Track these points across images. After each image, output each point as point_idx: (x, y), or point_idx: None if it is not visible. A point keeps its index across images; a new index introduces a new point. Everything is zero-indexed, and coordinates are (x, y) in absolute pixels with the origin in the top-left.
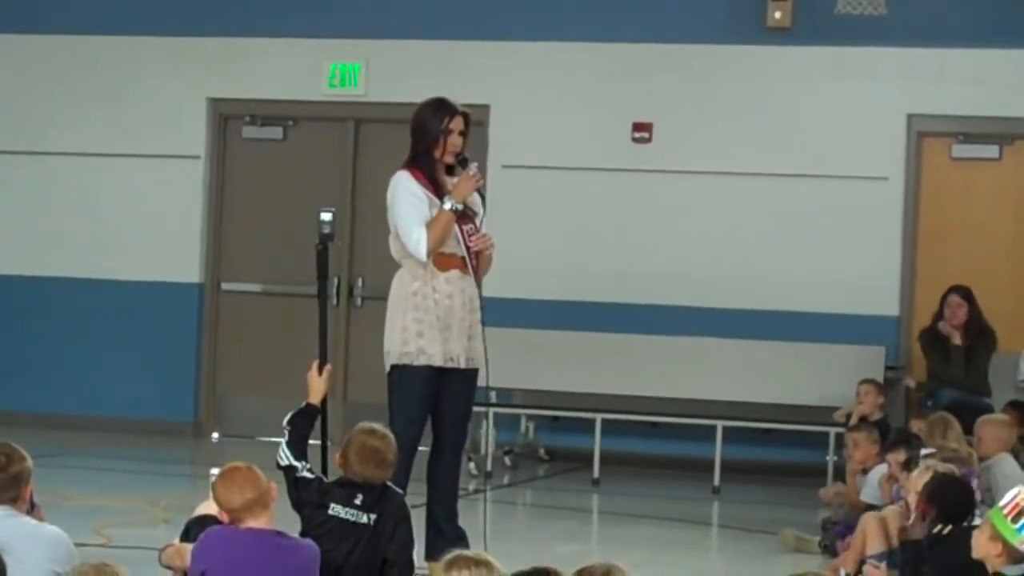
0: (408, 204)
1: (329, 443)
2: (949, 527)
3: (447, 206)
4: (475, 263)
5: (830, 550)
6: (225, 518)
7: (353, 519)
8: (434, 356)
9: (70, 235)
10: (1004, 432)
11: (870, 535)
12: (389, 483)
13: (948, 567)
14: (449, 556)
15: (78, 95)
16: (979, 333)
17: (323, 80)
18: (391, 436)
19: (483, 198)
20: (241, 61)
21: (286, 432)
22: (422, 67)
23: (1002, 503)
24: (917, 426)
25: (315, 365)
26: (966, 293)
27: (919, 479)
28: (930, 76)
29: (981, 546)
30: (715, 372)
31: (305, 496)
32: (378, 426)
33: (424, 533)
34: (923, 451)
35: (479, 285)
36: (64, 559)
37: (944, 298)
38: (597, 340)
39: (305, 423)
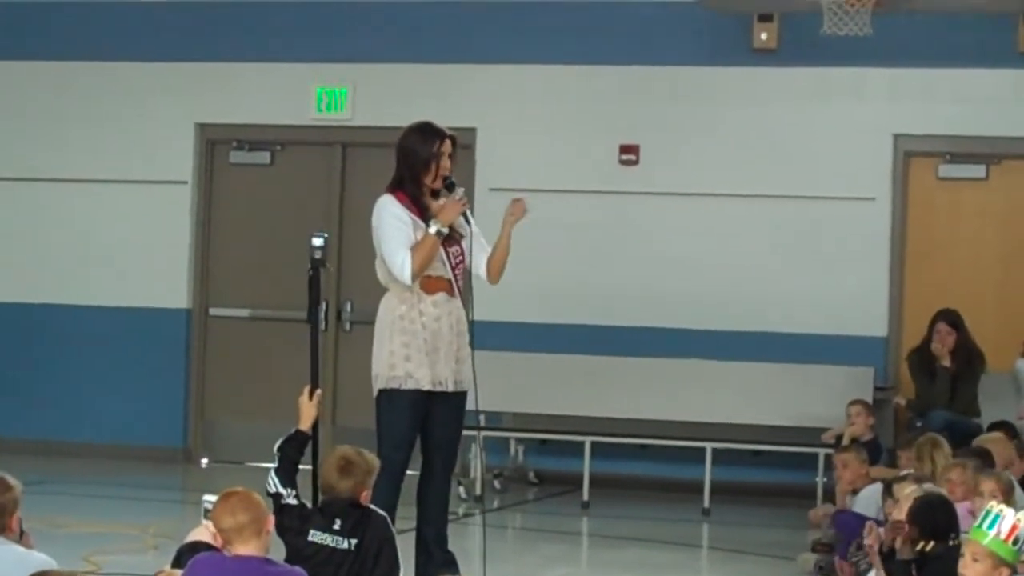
0: (393, 228)
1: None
2: (932, 544)
3: (432, 230)
4: (461, 285)
5: (824, 571)
6: (218, 540)
7: (333, 544)
8: (422, 380)
9: (58, 261)
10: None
11: None
12: (373, 507)
13: None
14: None
15: (65, 121)
16: (967, 358)
17: (310, 105)
18: (368, 454)
19: (468, 221)
20: (228, 86)
21: (276, 458)
22: (409, 91)
23: (995, 531)
24: (905, 456)
25: (307, 390)
26: (954, 320)
27: (905, 502)
28: (916, 96)
29: (983, 575)
30: (704, 394)
31: (287, 522)
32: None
33: (413, 557)
34: (899, 473)
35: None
36: None
37: (932, 325)
38: (585, 363)
39: (295, 450)
